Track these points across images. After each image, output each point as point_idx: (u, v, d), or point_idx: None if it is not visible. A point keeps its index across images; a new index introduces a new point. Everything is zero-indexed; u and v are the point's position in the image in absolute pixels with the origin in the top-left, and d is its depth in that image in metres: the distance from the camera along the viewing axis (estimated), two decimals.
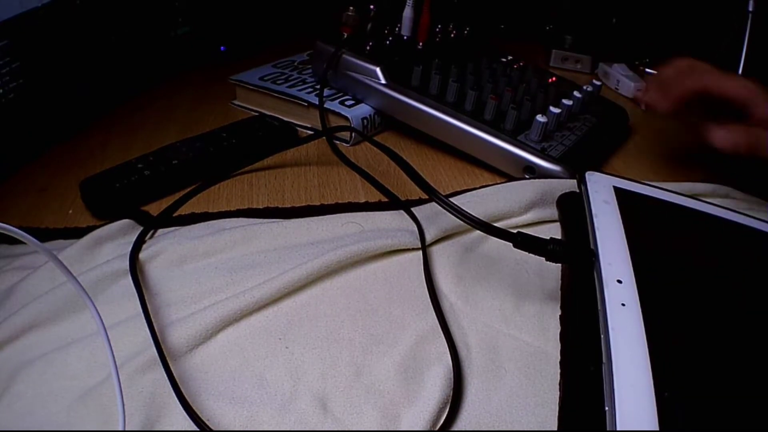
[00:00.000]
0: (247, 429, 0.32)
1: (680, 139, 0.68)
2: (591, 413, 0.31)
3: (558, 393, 0.35)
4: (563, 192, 0.49)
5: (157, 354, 0.35)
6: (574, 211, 0.46)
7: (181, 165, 0.54)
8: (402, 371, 0.36)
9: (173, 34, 0.82)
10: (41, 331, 0.38)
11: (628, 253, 0.38)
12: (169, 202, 0.52)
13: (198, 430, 0.32)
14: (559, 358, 0.37)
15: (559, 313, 0.40)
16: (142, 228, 0.48)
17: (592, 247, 0.39)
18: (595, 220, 0.41)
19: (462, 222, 0.46)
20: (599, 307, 0.35)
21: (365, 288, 0.42)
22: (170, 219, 0.49)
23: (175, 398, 0.33)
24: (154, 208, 0.51)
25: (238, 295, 0.39)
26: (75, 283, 0.29)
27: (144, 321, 0.37)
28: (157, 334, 0.36)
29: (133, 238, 0.46)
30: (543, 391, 0.35)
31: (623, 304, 0.34)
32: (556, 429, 0.33)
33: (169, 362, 0.35)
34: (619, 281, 0.35)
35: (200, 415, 0.32)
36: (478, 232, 0.47)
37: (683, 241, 0.42)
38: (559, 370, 0.36)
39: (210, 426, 0.32)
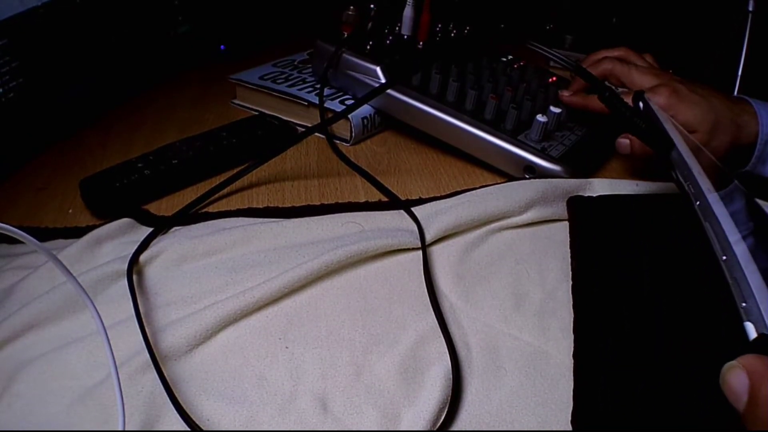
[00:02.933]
0: (247, 429, 0.32)
1: None
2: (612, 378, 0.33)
3: (556, 393, 0.35)
4: (573, 195, 0.49)
5: (154, 355, 0.35)
6: (584, 214, 0.47)
7: (181, 164, 0.54)
8: (402, 371, 0.36)
9: (173, 33, 0.82)
10: (41, 331, 0.38)
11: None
12: (170, 202, 0.52)
13: (206, 429, 0.32)
14: (573, 315, 0.38)
15: (558, 314, 0.40)
16: (142, 227, 0.48)
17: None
18: (665, 125, 0.43)
19: (462, 221, 0.46)
20: (693, 201, 0.36)
21: (365, 288, 0.42)
22: (179, 219, 0.49)
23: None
24: (155, 208, 0.51)
25: (238, 295, 0.39)
26: (74, 283, 0.29)
27: (143, 321, 0.37)
28: (150, 337, 0.36)
29: (134, 237, 0.46)
30: (543, 391, 0.35)
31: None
32: (555, 429, 0.33)
33: (164, 364, 0.35)
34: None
35: (192, 417, 0.32)
36: (478, 231, 0.47)
37: None
38: (558, 370, 0.36)
39: (203, 427, 0.32)
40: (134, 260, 0.42)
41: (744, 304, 0.28)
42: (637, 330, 0.37)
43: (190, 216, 0.50)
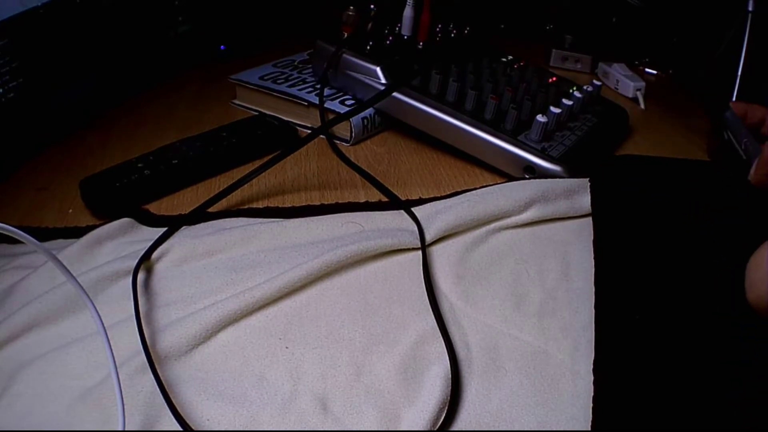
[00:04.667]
0: (247, 429, 0.32)
1: (679, 139, 0.68)
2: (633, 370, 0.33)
3: (556, 393, 0.35)
4: (573, 194, 0.49)
5: (155, 356, 0.35)
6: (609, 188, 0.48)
7: (181, 164, 0.54)
8: (402, 371, 0.36)
9: (173, 34, 0.82)
10: (41, 331, 0.38)
11: None
12: (170, 202, 0.52)
13: (199, 430, 0.32)
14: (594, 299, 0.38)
15: (558, 314, 0.40)
16: (142, 227, 0.48)
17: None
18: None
19: (462, 221, 0.46)
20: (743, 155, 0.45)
21: (365, 288, 0.42)
22: (193, 217, 0.49)
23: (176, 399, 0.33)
24: (155, 208, 0.51)
25: (238, 295, 0.39)
26: (74, 283, 0.29)
27: (143, 322, 0.37)
28: (151, 337, 0.36)
29: (134, 237, 0.46)
30: (543, 391, 0.35)
31: None
32: (556, 429, 0.33)
33: (164, 364, 0.35)
34: None
35: (186, 419, 0.32)
36: (478, 231, 0.47)
37: None
38: (558, 370, 0.36)
39: (204, 427, 0.32)
40: (145, 258, 0.42)
41: None
42: (659, 305, 0.37)
43: (190, 216, 0.50)
